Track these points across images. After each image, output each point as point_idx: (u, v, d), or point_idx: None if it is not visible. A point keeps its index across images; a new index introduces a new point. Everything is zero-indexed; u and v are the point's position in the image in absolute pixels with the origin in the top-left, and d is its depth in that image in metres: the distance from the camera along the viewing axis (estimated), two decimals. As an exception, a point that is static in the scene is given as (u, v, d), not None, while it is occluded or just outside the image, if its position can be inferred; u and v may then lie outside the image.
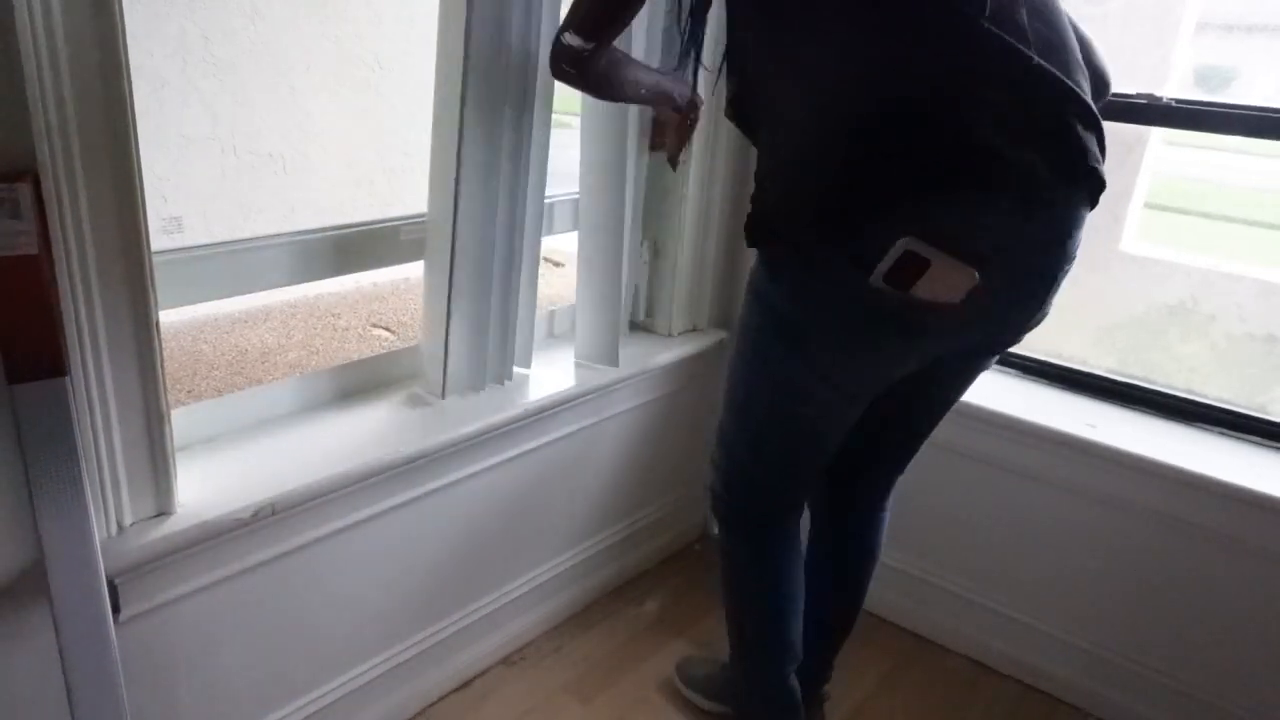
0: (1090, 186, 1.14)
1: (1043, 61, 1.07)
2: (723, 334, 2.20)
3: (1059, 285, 1.22)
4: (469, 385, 1.77)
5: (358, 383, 1.74)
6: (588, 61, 1.36)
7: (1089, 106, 1.11)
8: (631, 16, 1.36)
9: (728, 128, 2.04)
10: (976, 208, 1.09)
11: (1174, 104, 1.74)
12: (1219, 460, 1.70)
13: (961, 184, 1.08)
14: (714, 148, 2.04)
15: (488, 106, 1.58)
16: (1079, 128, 1.10)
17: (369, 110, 4.49)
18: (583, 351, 1.95)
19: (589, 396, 1.90)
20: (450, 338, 1.69)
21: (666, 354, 2.07)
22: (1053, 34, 1.11)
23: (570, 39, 1.33)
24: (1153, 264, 1.97)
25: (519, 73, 1.61)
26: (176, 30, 3.84)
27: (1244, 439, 1.78)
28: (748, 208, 1.30)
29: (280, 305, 4.13)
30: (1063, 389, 1.95)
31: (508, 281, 1.74)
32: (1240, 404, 1.80)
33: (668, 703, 1.87)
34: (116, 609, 1.26)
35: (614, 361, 1.94)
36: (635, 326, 2.18)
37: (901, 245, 1.08)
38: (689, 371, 2.17)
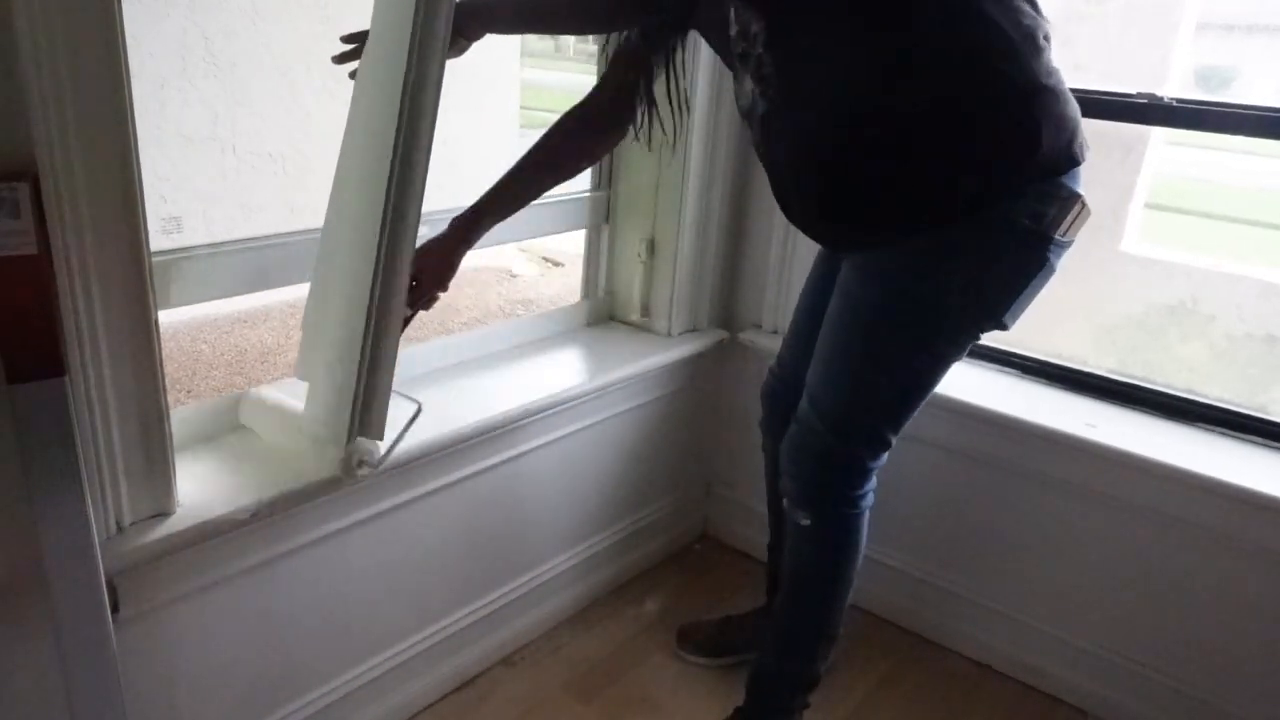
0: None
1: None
2: (723, 334, 2.20)
3: None
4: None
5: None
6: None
7: None
8: None
9: (727, 129, 2.04)
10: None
11: (1175, 104, 1.74)
12: (1219, 460, 1.70)
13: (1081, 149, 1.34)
14: (714, 148, 2.04)
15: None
16: None
17: (369, 110, 4.48)
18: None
19: (589, 396, 1.90)
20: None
21: (666, 354, 2.06)
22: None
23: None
24: (1153, 264, 1.96)
25: None
26: (176, 30, 3.84)
27: (1244, 439, 1.78)
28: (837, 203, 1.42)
29: (280, 305, 4.14)
30: (1063, 389, 1.95)
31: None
32: (1240, 404, 1.80)
33: (668, 702, 1.87)
34: (116, 609, 1.25)
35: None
36: (634, 327, 2.18)
37: (1080, 200, 1.32)
38: (688, 371, 2.17)
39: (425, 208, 1.73)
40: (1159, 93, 1.76)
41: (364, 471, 1.43)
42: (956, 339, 1.45)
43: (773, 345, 2.16)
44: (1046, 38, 1.31)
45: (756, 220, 2.17)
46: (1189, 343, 1.92)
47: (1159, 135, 1.92)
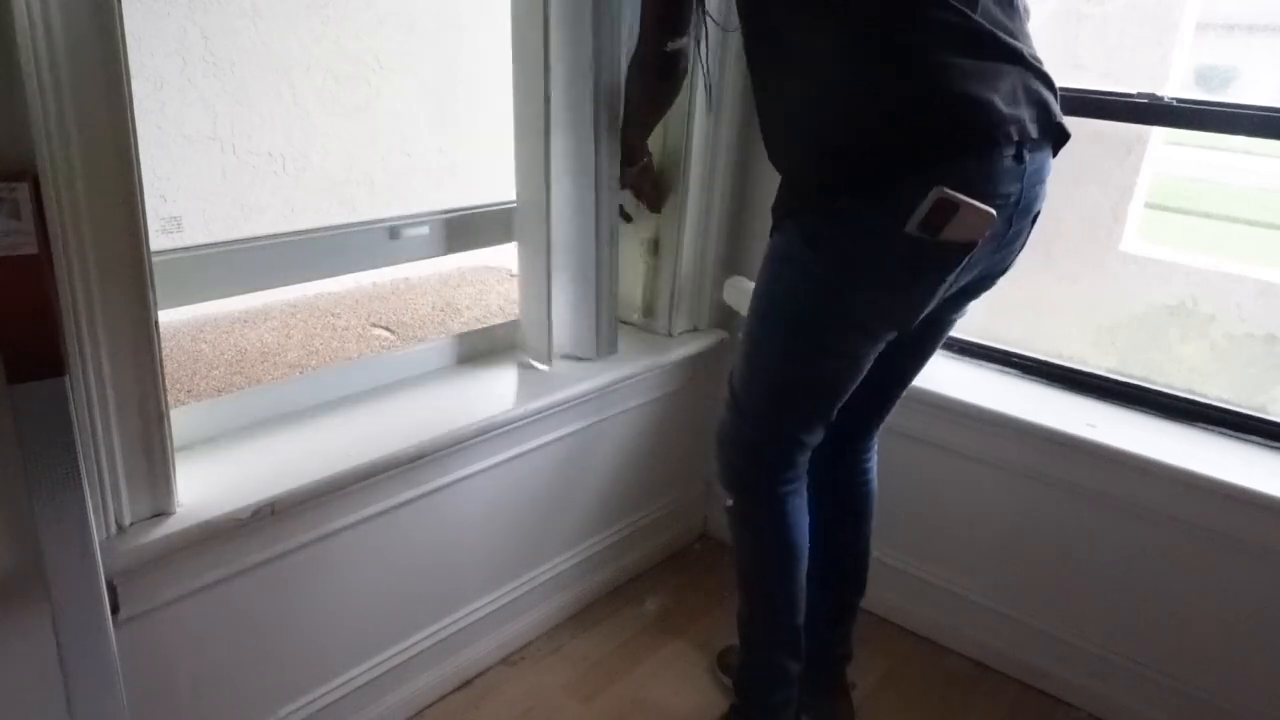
0: (1056, 136, 1.37)
1: (1018, 45, 1.32)
2: (723, 334, 2.20)
3: (1037, 221, 1.43)
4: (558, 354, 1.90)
5: (358, 382, 1.74)
6: (684, 59, 1.58)
7: (1048, 75, 1.35)
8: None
9: (728, 129, 2.04)
10: (991, 159, 1.28)
11: (1175, 103, 1.74)
12: (1219, 460, 1.70)
13: (979, 141, 1.27)
14: (715, 147, 2.04)
15: (572, 105, 1.74)
16: (1044, 91, 1.34)
17: (369, 110, 4.49)
18: (562, 347, 1.97)
19: (588, 397, 1.90)
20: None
21: (666, 354, 2.06)
22: (1012, 22, 1.34)
23: (675, 43, 1.53)
24: (1153, 264, 1.96)
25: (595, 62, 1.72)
26: (176, 30, 3.83)
27: (1244, 439, 1.78)
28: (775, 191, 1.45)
29: (280, 305, 4.14)
30: (1063, 389, 1.95)
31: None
32: (1240, 404, 1.80)
33: (668, 702, 1.87)
34: (115, 609, 1.26)
35: (592, 353, 1.97)
36: (635, 327, 2.18)
37: (934, 195, 1.25)
38: (689, 371, 2.17)
39: (426, 208, 1.75)
40: (1159, 92, 1.76)
41: None
42: (830, 331, 1.44)
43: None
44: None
45: (756, 220, 2.17)
46: (1189, 342, 1.92)
47: (1159, 135, 1.92)
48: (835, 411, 1.53)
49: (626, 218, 2.03)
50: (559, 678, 1.92)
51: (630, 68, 1.70)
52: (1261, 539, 1.65)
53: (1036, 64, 1.34)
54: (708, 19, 1.66)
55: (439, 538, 1.74)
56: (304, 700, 1.61)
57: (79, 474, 1.13)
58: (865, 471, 1.75)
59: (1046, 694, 1.94)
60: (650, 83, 1.67)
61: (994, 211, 1.27)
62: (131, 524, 1.28)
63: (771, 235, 1.47)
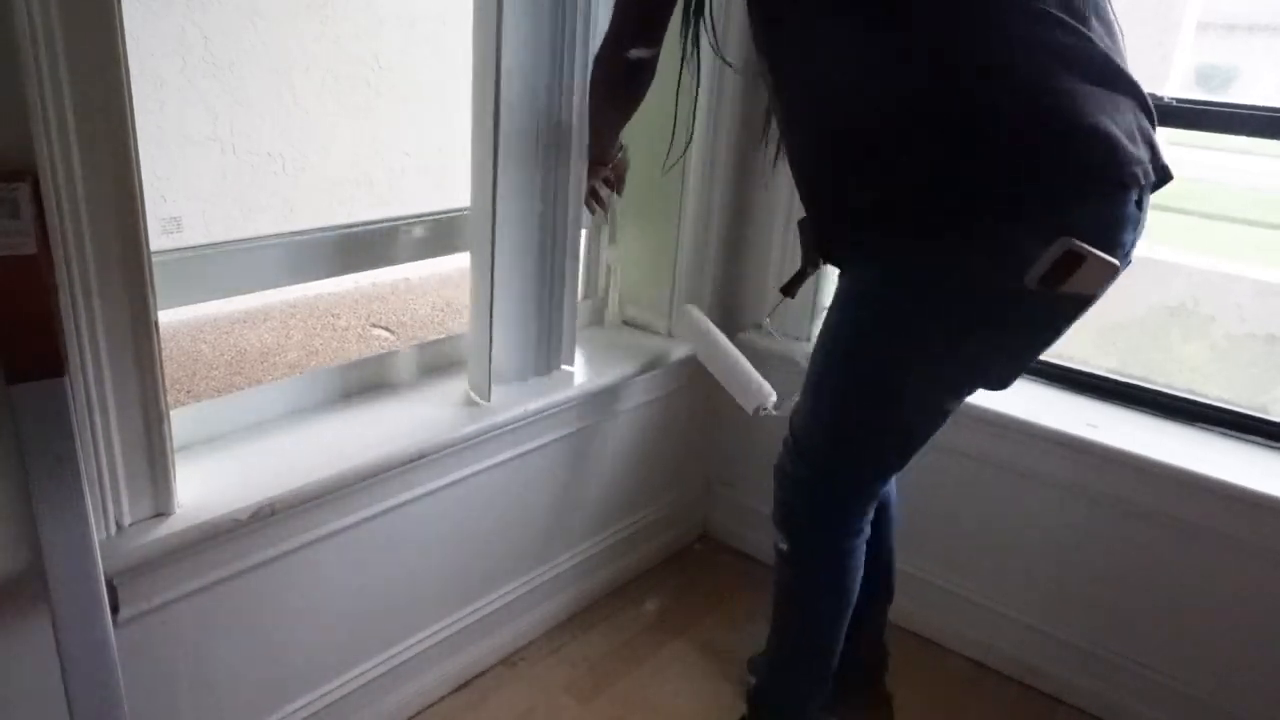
0: (1161, 180, 1.22)
1: (1130, 72, 1.17)
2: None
3: None
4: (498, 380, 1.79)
5: (358, 382, 1.74)
6: (648, 70, 1.47)
7: (1152, 109, 1.20)
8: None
9: (728, 130, 2.04)
10: (1117, 204, 1.15)
11: (1176, 103, 1.74)
12: (1220, 460, 1.70)
13: (1110, 183, 1.13)
14: (714, 148, 2.04)
15: (523, 105, 1.62)
16: (1150, 128, 1.19)
17: (369, 110, 4.49)
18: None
19: (588, 396, 1.90)
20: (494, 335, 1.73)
21: (666, 354, 2.06)
22: (1117, 44, 1.21)
23: (639, 52, 1.43)
24: (1153, 264, 1.96)
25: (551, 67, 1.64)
26: (176, 30, 3.84)
27: (1245, 439, 1.78)
28: (816, 214, 1.33)
29: (280, 305, 4.14)
30: (1063, 389, 1.95)
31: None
32: (1241, 404, 1.80)
33: (668, 703, 1.87)
34: (115, 609, 1.26)
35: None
36: (636, 327, 2.18)
37: (1060, 246, 1.11)
38: (689, 371, 2.16)
39: (426, 208, 1.74)
40: (1160, 92, 1.76)
41: (764, 413, 1.88)
42: (913, 386, 1.33)
43: (772, 346, 2.16)
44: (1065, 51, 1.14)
45: (756, 220, 2.17)
46: (1190, 343, 1.92)
47: (1159, 135, 1.92)
48: (910, 459, 1.45)
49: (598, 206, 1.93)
50: (559, 678, 1.91)
51: (595, 63, 1.59)
52: (1262, 539, 1.64)
53: (1145, 96, 1.19)
54: (707, 38, 1.55)
55: (440, 538, 1.73)
56: (304, 700, 1.60)
57: (79, 474, 1.13)
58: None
59: (1046, 694, 1.94)
60: (606, 88, 1.58)
61: (1118, 264, 1.15)
62: (131, 524, 1.28)
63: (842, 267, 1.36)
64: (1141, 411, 1.86)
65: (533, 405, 1.76)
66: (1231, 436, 1.79)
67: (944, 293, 1.22)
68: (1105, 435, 1.77)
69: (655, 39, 1.45)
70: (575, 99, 1.66)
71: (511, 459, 1.81)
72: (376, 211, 4.03)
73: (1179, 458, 1.70)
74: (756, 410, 1.89)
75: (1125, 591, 1.82)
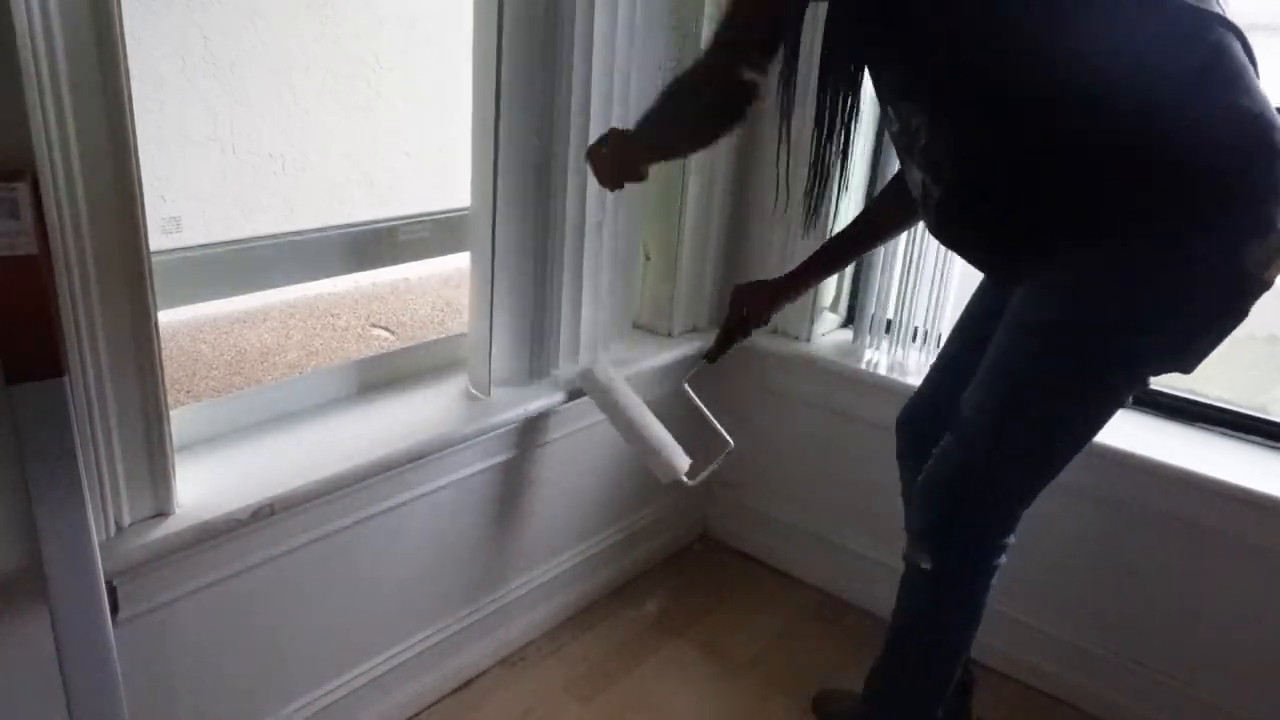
0: None
1: None
2: (723, 334, 2.20)
3: None
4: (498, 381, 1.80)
5: (358, 382, 1.74)
6: (753, 98, 1.30)
7: None
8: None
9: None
10: None
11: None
12: (1220, 460, 1.70)
13: None
14: (715, 148, 2.03)
15: (522, 105, 1.62)
16: None
17: (369, 110, 4.49)
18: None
19: (589, 397, 1.90)
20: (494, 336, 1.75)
21: (667, 354, 2.06)
22: None
23: (752, 74, 1.27)
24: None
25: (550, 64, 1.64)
26: (176, 30, 3.84)
27: (1245, 439, 1.78)
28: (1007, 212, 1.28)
29: (280, 305, 4.14)
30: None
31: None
32: (1241, 404, 1.80)
33: (667, 703, 1.87)
34: (115, 609, 1.26)
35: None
36: (636, 327, 2.18)
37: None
38: (690, 372, 2.16)
39: (426, 208, 1.74)
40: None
41: (685, 479, 1.79)
42: (1125, 381, 1.30)
43: (773, 346, 2.16)
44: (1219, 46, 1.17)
45: (756, 220, 2.17)
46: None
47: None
48: None
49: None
50: (559, 678, 1.91)
51: (676, 81, 1.42)
52: (1262, 539, 1.65)
53: None
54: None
55: (439, 538, 1.73)
56: (304, 700, 1.60)
57: (78, 475, 1.12)
58: None
59: (1047, 694, 1.94)
60: (699, 112, 1.38)
61: None
62: (131, 524, 1.28)
63: (1027, 278, 1.31)
64: (1142, 412, 1.86)
65: (533, 406, 1.76)
66: (1232, 437, 1.79)
67: (1168, 278, 1.21)
68: (1105, 435, 1.76)
69: (768, 60, 1.28)
70: (572, 103, 1.67)
71: (510, 459, 1.81)
72: (376, 211, 4.03)
73: (1180, 458, 1.70)
74: (671, 482, 1.80)
75: (1125, 590, 1.82)
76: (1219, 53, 1.16)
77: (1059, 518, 1.86)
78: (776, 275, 1.81)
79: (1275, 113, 1.16)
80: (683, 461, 1.81)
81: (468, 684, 1.88)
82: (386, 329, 4.09)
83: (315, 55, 4.23)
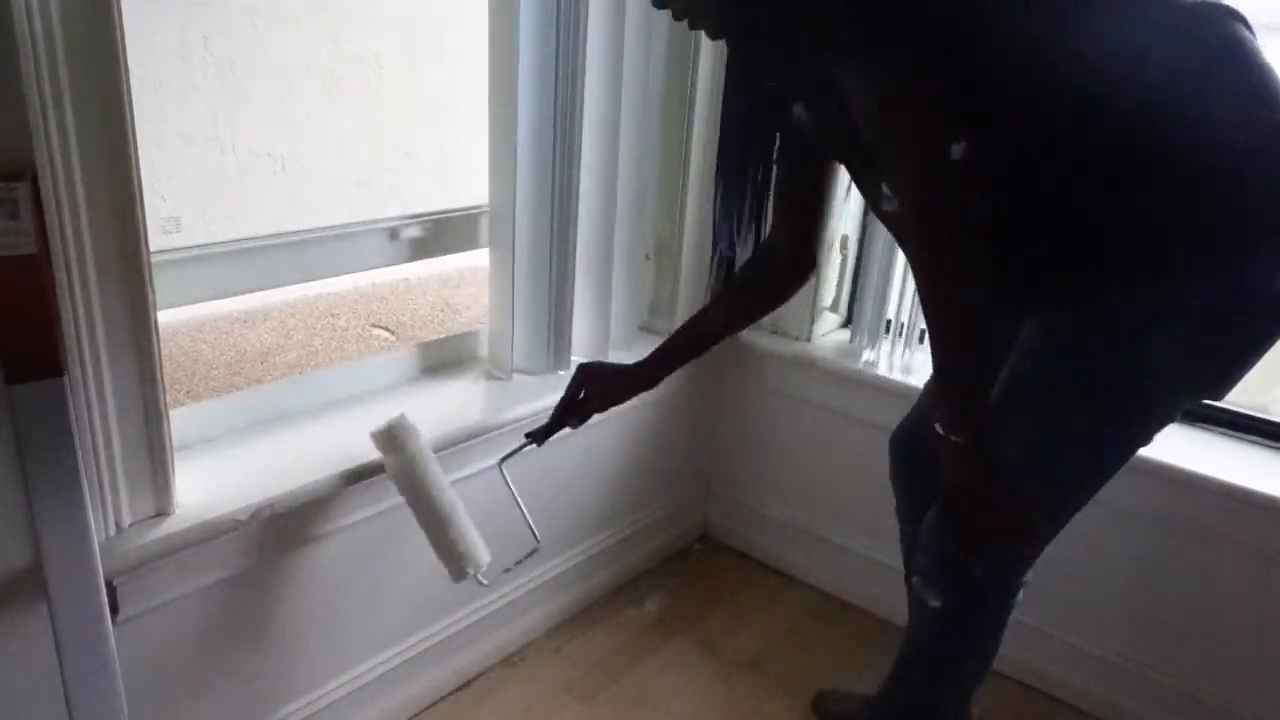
0: None
1: None
2: (723, 334, 2.20)
3: None
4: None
5: (359, 381, 1.74)
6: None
7: None
8: None
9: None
10: None
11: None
12: (1219, 460, 1.70)
13: None
14: (714, 147, 2.04)
15: (540, 99, 1.67)
16: None
17: (368, 110, 4.49)
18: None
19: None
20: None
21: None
22: None
23: (960, 147, 1.04)
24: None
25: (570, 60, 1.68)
26: (176, 30, 3.84)
27: (1244, 439, 1.78)
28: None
29: (279, 305, 4.14)
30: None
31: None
32: (1240, 404, 1.80)
33: (667, 702, 1.87)
34: (115, 609, 1.26)
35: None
36: (636, 327, 2.18)
37: None
38: (690, 372, 2.15)
39: (426, 208, 1.74)
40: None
41: (479, 580, 1.52)
42: (1160, 414, 1.25)
43: (773, 346, 2.16)
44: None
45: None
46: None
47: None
48: None
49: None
50: (559, 678, 1.92)
51: (916, 187, 1.12)
52: (1261, 538, 1.65)
53: None
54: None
55: (439, 538, 1.73)
56: (304, 700, 1.61)
57: (78, 474, 1.13)
58: None
59: (1047, 694, 1.94)
60: (944, 207, 1.11)
61: None
62: (131, 524, 1.28)
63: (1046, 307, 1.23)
64: (1141, 411, 1.86)
65: (537, 405, 1.76)
66: (1231, 436, 1.79)
67: (1221, 308, 1.15)
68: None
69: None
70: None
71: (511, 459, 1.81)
72: (376, 211, 4.03)
73: (1179, 457, 1.70)
74: (462, 578, 1.51)
75: (1124, 590, 1.82)
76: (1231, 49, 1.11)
77: (1059, 517, 1.86)
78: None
79: None
80: (482, 558, 1.51)
81: (469, 683, 1.88)
82: (387, 329, 4.09)
83: (315, 55, 4.24)
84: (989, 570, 1.32)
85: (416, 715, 1.80)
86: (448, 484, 1.50)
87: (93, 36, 1.07)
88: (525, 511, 1.56)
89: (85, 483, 1.14)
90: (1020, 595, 1.37)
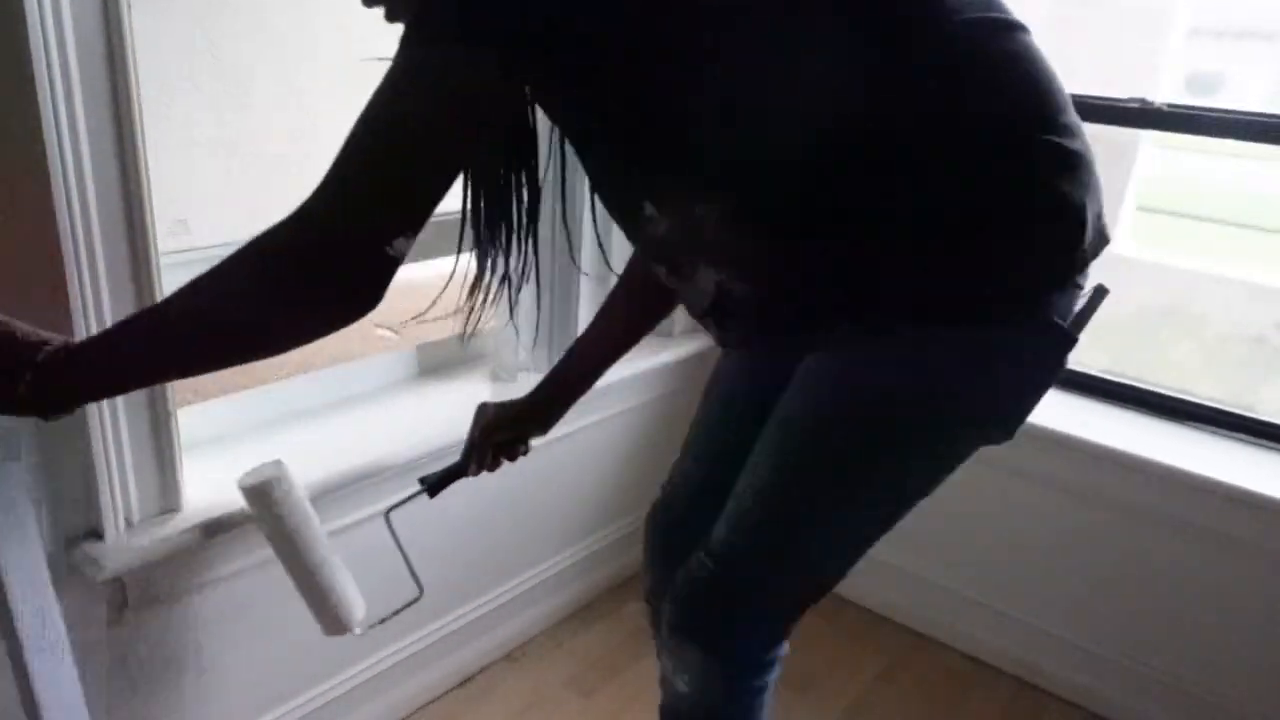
0: None
1: None
2: (722, 334, 2.21)
3: None
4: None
5: (361, 381, 1.76)
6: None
7: None
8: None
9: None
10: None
11: (1167, 108, 1.76)
12: (1209, 458, 1.72)
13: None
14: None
15: None
16: None
17: (374, 112, 4.49)
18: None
19: (589, 396, 1.91)
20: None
21: (667, 353, 2.07)
22: None
23: (402, 244, 0.92)
24: (1144, 266, 1.98)
25: None
26: (182, 32, 3.85)
27: (1233, 437, 1.80)
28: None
29: (285, 306, 4.15)
30: (1057, 388, 1.95)
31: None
32: (1229, 403, 1.82)
33: (666, 698, 1.89)
34: (123, 604, 1.28)
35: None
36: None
37: (1099, 294, 1.05)
38: (689, 371, 2.18)
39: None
40: (1149, 97, 1.78)
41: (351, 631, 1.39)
42: (949, 457, 1.18)
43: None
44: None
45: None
46: (1180, 343, 1.94)
47: (1147, 137, 1.94)
48: None
49: None
50: (561, 673, 1.93)
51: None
52: (1251, 535, 1.66)
53: None
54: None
55: (440, 535, 1.76)
56: (309, 695, 1.63)
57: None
58: None
59: (1042, 690, 1.96)
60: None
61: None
62: (140, 520, 1.30)
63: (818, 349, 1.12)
64: (1133, 410, 1.88)
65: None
66: (1220, 435, 1.81)
67: (1033, 349, 1.06)
68: (1097, 434, 1.79)
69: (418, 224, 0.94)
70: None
71: (512, 457, 1.82)
72: (381, 213, 4.03)
73: (1170, 456, 1.72)
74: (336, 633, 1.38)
75: (1118, 587, 1.83)
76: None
77: (1048, 515, 1.88)
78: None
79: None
80: (357, 611, 1.39)
81: (471, 679, 1.90)
82: (389, 329, 4.10)
83: (323, 58, 4.25)
84: (743, 650, 1.19)
85: (419, 711, 1.82)
86: (320, 534, 1.35)
87: (103, 43, 1.08)
88: (408, 560, 1.44)
89: (87, 482, 1.15)
90: (774, 676, 1.21)
